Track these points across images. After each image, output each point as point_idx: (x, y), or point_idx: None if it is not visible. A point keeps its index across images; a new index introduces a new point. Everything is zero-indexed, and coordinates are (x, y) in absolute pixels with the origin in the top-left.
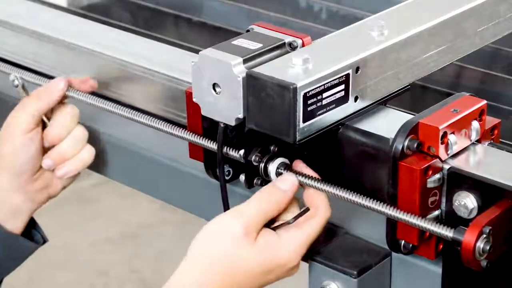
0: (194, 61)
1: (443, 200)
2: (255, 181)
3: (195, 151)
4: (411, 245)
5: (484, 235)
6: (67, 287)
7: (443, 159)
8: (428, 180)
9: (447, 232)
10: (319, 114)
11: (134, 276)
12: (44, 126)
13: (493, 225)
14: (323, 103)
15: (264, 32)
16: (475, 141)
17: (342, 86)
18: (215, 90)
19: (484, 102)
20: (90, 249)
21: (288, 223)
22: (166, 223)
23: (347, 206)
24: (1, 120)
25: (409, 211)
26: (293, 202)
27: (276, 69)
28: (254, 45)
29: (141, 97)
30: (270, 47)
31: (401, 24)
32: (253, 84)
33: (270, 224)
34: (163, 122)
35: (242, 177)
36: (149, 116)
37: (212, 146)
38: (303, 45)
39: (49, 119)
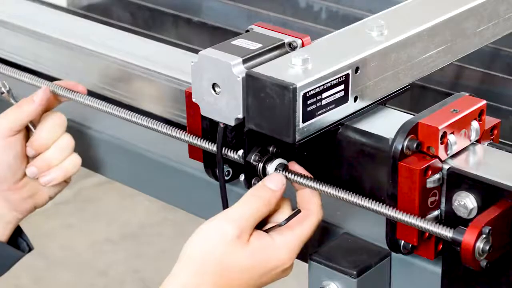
0: (194, 61)
1: (443, 200)
2: (253, 181)
3: (194, 151)
4: (410, 245)
5: (484, 235)
6: (67, 287)
7: (442, 159)
8: (428, 180)
9: (446, 232)
10: (319, 114)
11: (134, 276)
12: (30, 134)
13: (493, 225)
14: (323, 103)
15: (263, 32)
16: (475, 141)
17: (342, 86)
18: (214, 90)
19: (484, 102)
20: (90, 249)
21: (279, 225)
22: (166, 223)
23: (346, 206)
24: None
25: (408, 212)
26: (284, 203)
27: (276, 69)
28: (253, 45)
29: (141, 97)
30: (270, 47)
31: (401, 24)
32: (253, 84)
33: (262, 226)
34: (162, 124)
35: (242, 177)
36: (148, 118)
37: (211, 147)
38: (302, 45)
39: (35, 126)
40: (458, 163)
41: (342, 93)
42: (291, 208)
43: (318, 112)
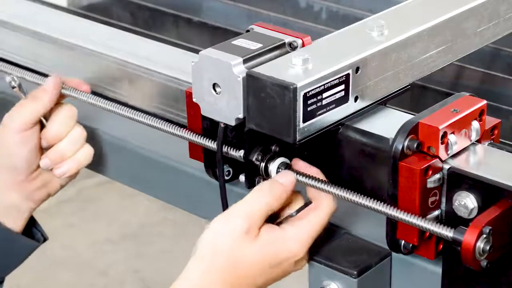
0: (194, 61)
1: (443, 200)
2: (256, 180)
3: (195, 151)
4: (411, 245)
5: (484, 235)
6: (67, 287)
7: (443, 159)
8: (428, 180)
9: (447, 232)
10: (319, 114)
11: (134, 276)
12: (42, 126)
13: (493, 225)
14: (323, 103)
15: (264, 32)
16: (475, 141)
17: (342, 86)
18: (215, 90)
19: (484, 102)
20: (90, 249)
21: (291, 216)
22: (166, 223)
23: (347, 206)
24: (0, 120)
25: (409, 211)
26: (296, 198)
27: (276, 69)
28: (254, 45)
29: (141, 97)
30: (270, 47)
31: (401, 24)
32: (253, 84)
33: (274, 220)
34: (163, 122)
35: (242, 177)
36: (149, 116)
37: (212, 145)
38: (303, 45)
39: (47, 119)
40: (458, 163)
41: (342, 93)
42: (304, 202)
43: (319, 112)
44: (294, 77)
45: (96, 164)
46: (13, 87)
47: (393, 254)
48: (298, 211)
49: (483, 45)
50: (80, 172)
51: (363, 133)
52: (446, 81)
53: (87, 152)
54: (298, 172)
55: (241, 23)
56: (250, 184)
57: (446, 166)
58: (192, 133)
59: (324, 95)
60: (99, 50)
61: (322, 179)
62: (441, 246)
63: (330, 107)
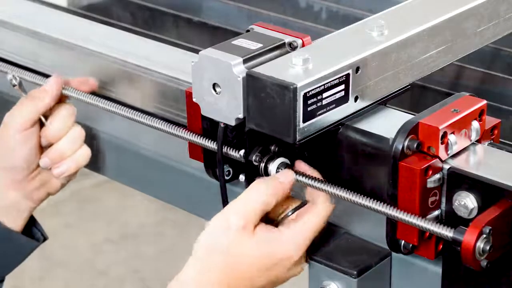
0: (194, 61)
1: (443, 200)
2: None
3: (195, 151)
4: (411, 245)
5: (484, 235)
6: (67, 287)
7: (443, 159)
8: (428, 180)
9: (447, 232)
10: (319, 114)
11: (134, 276)
12: (42, 124)
13: (493, 225)
14: (323, 103)
15: (264, 32)
16: (475, 141)
17: (342, 86)
18: (215, 90)
19: (484, 102)
20: (90, 249)
21: (286, 216)
22: (166, 223)
23: (347, 206)
24: (0, 119)
25: (409, 211)
26: (293, 201)
27: (276, 69)
28: (254, 45)
29: (141, 97)
30: (270, 47)
31: (401, 24)
32: (253, 84)
33: (270, 223)
34: (163, 122)
35: (242, 177)
36: (149, 116)
37: (212, 145)
38: (303, 45)
39: (47, 117)
40: (458, 163)
41: (342, 93)
42: (300, 202)
43: (319, 112)
44: (294, 77)
45: (96, 164)
46: (14, 85)
47: (393, 254)
48: (295, 210)
49: (483, 45)
50: (80, 172)
51: (363, 133)
52: (446, 81)
53: (85, 153)
54: (297, 172)
55: (241, 23)
56: (250, 184)
57: (446, 166)
58: (192, 133)
59: (324, 95)
60: (99, 50)
61: (321, 179)
62: (441, 246)
63: (330, 107)
